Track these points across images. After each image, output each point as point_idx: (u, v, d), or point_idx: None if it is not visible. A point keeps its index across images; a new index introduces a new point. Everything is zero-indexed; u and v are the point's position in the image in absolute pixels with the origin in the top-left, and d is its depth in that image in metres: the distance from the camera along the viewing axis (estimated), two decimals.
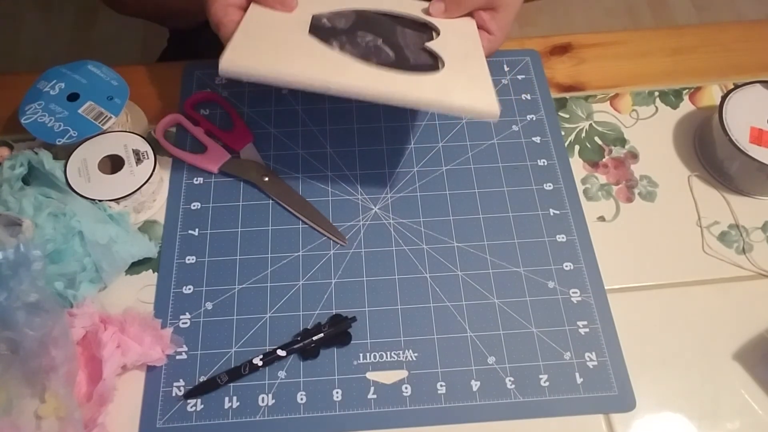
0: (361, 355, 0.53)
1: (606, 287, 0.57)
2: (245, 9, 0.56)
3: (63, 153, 0.58)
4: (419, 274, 0.57)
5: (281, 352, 0.52)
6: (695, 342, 0.54)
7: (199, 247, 0.58)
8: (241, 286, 0.56)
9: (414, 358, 0.53)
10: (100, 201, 0.56)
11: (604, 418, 0.51)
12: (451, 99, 0.51)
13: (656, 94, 0.69)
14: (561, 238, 0.59)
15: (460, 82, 0.54)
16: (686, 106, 0.68)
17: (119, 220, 0.56)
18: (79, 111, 0.59)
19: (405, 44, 0.58)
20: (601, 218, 0.61)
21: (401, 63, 0.55)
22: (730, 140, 0.60)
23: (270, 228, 0.59)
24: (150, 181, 0.58)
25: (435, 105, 0.51)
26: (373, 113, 0.66)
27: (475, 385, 0.52)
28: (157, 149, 0.62)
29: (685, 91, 0.69)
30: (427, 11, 0.62)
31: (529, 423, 0.51)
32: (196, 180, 0.62)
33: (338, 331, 0.53)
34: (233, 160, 0.63)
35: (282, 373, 0.52)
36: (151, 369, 0.52)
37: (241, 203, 0.61)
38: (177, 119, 0.65)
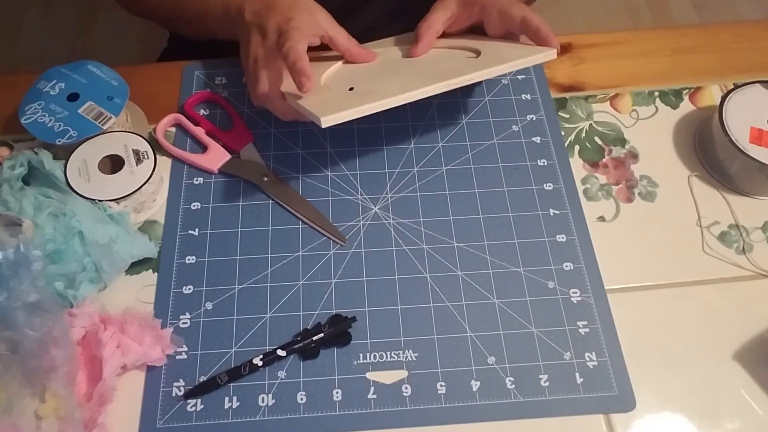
0: (361, 355, 0.53)
1: (606, 287, 0.57)
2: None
3: (63, 153, 0.58)
4: (419, 274, 0.57)
5: (281, 352, 0.52)
6: (695, 342, 0.54)
7: (199, 247, 0.58)
8: (241, 286, 0.56)
9: (414, 358, 0.53)
10: (100, 201, 0.56)
11: (604, 418, 0.51)
12: (513, 59, 0.56)
13: (656, 94, 0.69)
14: (561, 238, 0.59)
15: (507, 48, 0.59)
16: (686, 106, 0.68)
17: (119, 220, 0.56)
18: (79, 111, 0.59)
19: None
20: (601, 218, 0.61)
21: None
22: (730, 140, 0.60)
23: (270, 228, 0.59)
24: (150, 181, 0.58)
25: (504, 69, 0.56)
26: (372, 113, 0.66)
27: (475, 385, 0.52)
28: (157, 149, 0.62)
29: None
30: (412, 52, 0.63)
31: (529, 423, 0.51)
32: (196, 180, 0.62)
33: (338, 331, 0.53)
34: (233, 160, 0.63)
35: (282, 373, 0.52)
36: (151, 369, 0.52)
37: (241, 203, 0.61)
38: (177, 119, 0.65)
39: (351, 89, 0.57)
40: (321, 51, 0.63)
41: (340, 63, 0.64)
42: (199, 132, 0.64)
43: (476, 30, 0.64)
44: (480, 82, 0.69)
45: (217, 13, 0.64)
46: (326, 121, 0.51)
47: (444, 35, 0.63)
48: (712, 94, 0.69)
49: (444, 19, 0.61)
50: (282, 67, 0.58)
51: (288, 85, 0.58)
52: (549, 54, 0.57)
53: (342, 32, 0.61)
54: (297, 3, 0.59)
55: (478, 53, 0.60)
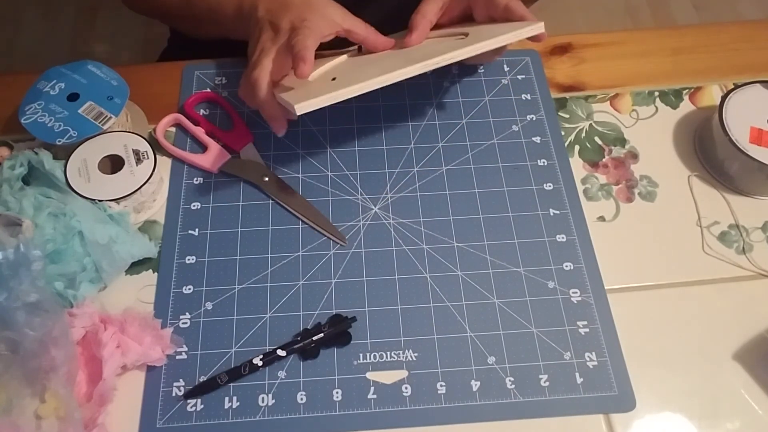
0: (361, 355, 0.53)
1: (606, 287, 0.57)
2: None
3: (63, 153, 0.58)
4: (419, 274, 0.57)
5: (281, 352, 0.52)
6: (695, 342, 0.54)
7: (199, 247, 0.58)
8: (241, 286, 0.56)
9: (414, 358, 0.53)
10: (100, 201, 0.56)
11: (604, 418, 0.51)
12: (500, 34, 0.56)
13: (656, 94, 0.69)
14: (561, 238, 0.59)
15: (494, 27, 0.59)
16: (686, 106, 0.68)
17: (119, 220, 0.56)
18: (79, 111, 0.59)
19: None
20: (601, 218, 0.61)
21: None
22: (730, 140, 0.60)
23: (270, 228, 0.59)
24: (150, 181, 0.58)
25: (491, 45, 0.56)
26: (373, 113, 0.66)
27: (475, 385, 0.52)
28: (157, 149, 0.62)
29: (685, 91, 0.69)
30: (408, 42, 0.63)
31: (529, 423, 0.51)
32: (196, 180, 0.62)
33: (338, 331, 0.53)
34: (233, 160, 0.63)
35: (282, 373, 0.52)
36: (151, 369, 0.52)
37: (241, 203, 0.61)
38: (177, 119, 0.65)
39: (334, 79, 0.57)
40: (325, 51, 0.63)
41: (338, 59, 0.63)
42: (199, 132, 0.64)
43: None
44: (478, 80, 0.69)
45: (229, 11, 0.64)
46: (300, 108, 0.51)
47: (435, 26, 0.63)
48: (712, 94, 0.69)
49: (436, 9, 0.62)
50: (285, 63, 0.58)
51: (284, 78, 0.58)
52: (536, 27, 0.57)
53: (359, 23, 0.61)
54: (311, 3, 0.59)
55: (466, 35, 0.60)
